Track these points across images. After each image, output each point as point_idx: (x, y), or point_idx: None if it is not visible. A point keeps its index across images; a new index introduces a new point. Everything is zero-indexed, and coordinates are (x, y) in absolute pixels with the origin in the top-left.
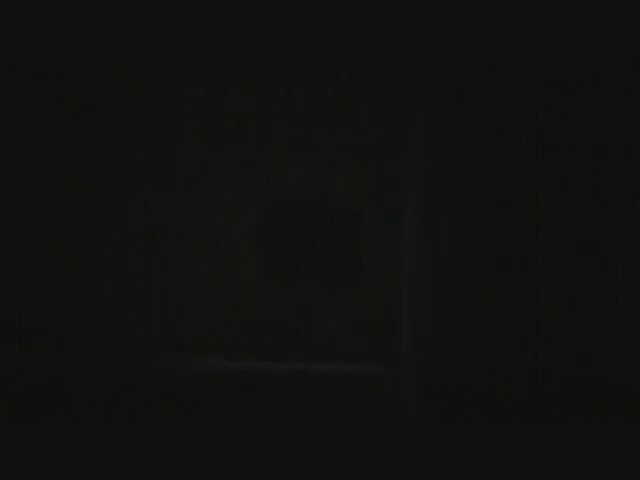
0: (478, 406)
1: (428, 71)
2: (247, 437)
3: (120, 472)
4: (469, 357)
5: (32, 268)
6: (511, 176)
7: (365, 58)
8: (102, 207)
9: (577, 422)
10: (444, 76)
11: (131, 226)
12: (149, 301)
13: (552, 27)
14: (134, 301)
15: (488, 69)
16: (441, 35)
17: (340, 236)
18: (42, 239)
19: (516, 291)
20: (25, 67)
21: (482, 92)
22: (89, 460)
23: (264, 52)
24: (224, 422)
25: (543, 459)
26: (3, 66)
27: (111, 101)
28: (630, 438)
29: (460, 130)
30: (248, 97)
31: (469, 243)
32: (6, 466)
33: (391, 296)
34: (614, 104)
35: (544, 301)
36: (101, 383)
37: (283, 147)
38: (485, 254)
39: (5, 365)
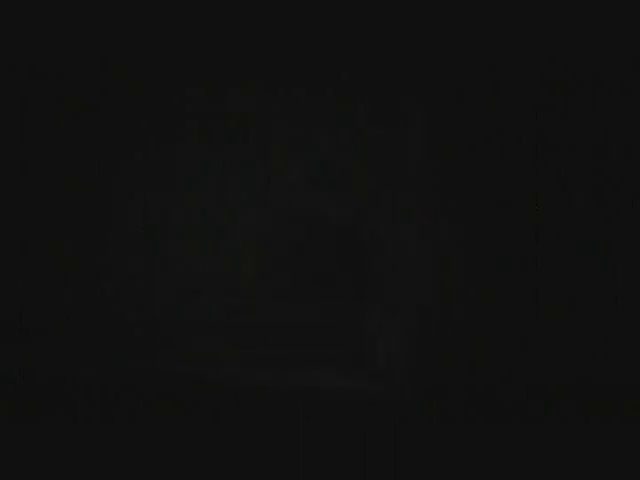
0: (478, 406)
1: (428, 71)
2: (245, 436)
3: (120, 472)
4: (469, 357)
5: (32, 268)
6: (511, 176)
7: (365, 58)
8: (102, 207)
9: (577, 422)
10: (444, 76)
11: (131, 226)
12: (149, 301)
13: (552, 27)
14: (134, 301)
15: (488, 69)
16: (441, 35)
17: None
18: (42, 239)
19: (516, 291)
20: (25, 67)
21: (482, 92)
22: (89, 460)
23: (264, 52)
24: (223, 421)
25: (543, 459)
26: (3, 66)
27: (111, 101)
28: (630, 438)
29: (460, 130)
30: (248, 97)
31: (469, 243)
32: (6, 466)
33: (392, 297)
34: (614, 104)
35: (544, 301)
36: (101, 383)
37: (283, 147)
38: (485, 254)
39: (5, 365)
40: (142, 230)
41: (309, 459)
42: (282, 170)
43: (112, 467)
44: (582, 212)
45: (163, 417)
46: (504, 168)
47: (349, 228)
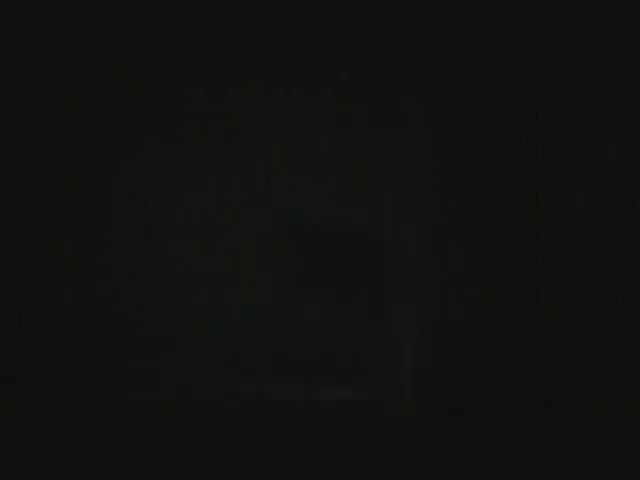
0: (478, 406)
1: (428, 71)
2: (245, 437)
3: (120, 472)
4: (469, 357)
5: (32, 268)
6: (511, 176)
7: (365, 58)
8: (102, 207)
9: (577, 422)
10: (444, 76)
11: (131, 226)
12: (149, 301)
13: (552, 27)
14: (134, 301)
15: (488, 69)
16: (441, 35)
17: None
18: (42, 239)
19: (516, 291)
20: (25, 67)
21: (482, 92)
22: (89, 460)
23: (264, 52)
24: (223, 422)
25: (543, 459)
26: (3, 66)
27: (111, 101)
28: (630, 438)
29: (460, 130)
30: (248, 97)
31: (469, 243)
32: (6, 466)
33: (391, 297)
34: (614, 104)
35: (544, 301)
36: (101, 383)
37: (283, 147)
38: (485, 254)
39: (5, 365)
40: (142, 230)
41: (308, 458)
42: (282, 170)
43: (112, 467)
44: (582, 212)
45: (163, 417)
46: (504, 168)
47: (349, 229)
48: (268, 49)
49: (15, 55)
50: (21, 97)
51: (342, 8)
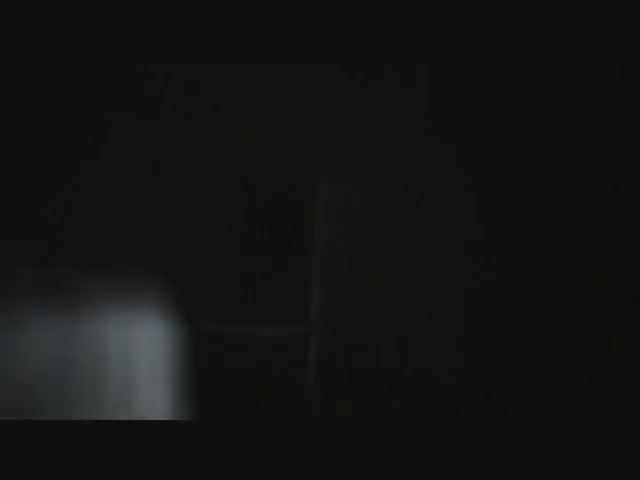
0: (478, 406)
1: (427, 71)
2: (242, 430)
3: (119, 473)
4: (469, 357)
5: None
6: (511, 176)
7: (365, 58)
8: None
9: (577, 422)
10: (444, 76)
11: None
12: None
13: (552, 26)
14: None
15: (488, 69)
16: (440, 35)
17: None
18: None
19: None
20: (25, 67)
21: (482, 91)
22: (89, 461)
23: (264, 52)
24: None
25: (543, 459)
26: (3, 66)
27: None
28: (630, 438)
29: (460, 130)
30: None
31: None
32: (6, 466)
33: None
34: (614, 104)
35: (544, 301)
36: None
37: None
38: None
39: None
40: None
41: (307, 458)
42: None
43: (111, 467)
44: (582, 212)
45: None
46: (504, 168)
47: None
48: (268, 49)
49: (15, 55)
50: (21, 97)
51: (341, 8)
